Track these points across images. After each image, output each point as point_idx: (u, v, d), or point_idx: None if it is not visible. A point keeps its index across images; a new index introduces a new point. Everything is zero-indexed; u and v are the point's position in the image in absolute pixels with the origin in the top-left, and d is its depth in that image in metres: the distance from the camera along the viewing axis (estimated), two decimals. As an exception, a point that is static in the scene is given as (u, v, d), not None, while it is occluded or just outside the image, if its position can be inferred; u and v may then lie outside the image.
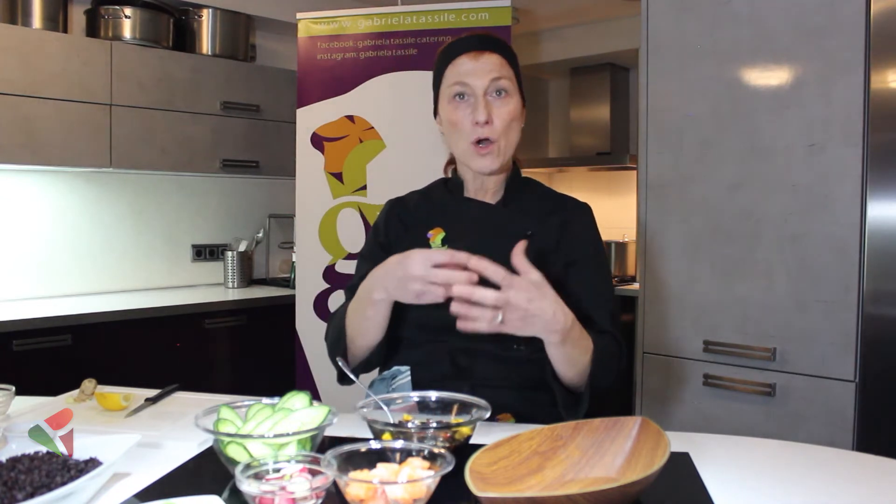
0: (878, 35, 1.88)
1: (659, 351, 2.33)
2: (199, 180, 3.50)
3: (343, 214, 2.86)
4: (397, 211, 1.43)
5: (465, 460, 0.85)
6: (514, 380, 1.26)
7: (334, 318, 1.35)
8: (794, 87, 2.03)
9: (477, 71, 1.29)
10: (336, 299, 2.85)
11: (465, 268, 1.06)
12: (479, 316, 1.05)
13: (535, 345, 1.17)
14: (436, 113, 1.40)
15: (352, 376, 1.21)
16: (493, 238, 1.31)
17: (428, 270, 1.07)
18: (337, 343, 1.29)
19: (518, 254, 1.07)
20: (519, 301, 1.04)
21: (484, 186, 1.38)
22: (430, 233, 1.34)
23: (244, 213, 3.69)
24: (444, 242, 1.32)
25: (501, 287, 1.05)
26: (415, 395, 1.11)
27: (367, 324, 1.22)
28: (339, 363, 1.21)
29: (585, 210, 1.41)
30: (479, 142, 1.30)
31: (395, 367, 1.33)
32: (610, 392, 1.28)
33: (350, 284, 1.40)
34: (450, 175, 1.45)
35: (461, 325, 1.07)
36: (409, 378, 1.30)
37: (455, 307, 1.06)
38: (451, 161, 1.45)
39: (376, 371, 1.39)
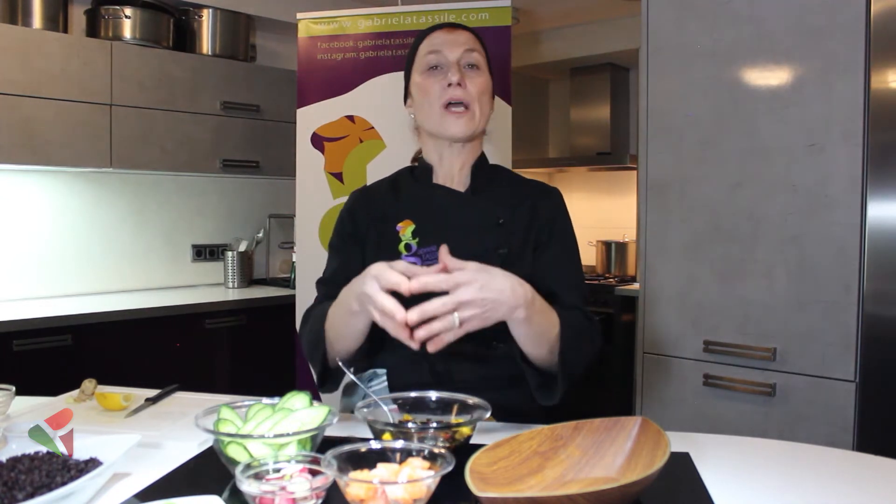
0: (878, 35, 1.88)
1: (659, 351, 2.33)
2: (199, 180, 3.50)
3: (343, 214, 2.85)
4: (364, 202, 1.39)
5: (465, 460, 0.85)
6: (493, 379, 1.23)
7: (311, 318, 1.29)
8: (794, 87, 2.03)
9: (450, 41, 1.31)
10: (336, 299, 2.85)
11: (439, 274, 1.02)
12: (440, 328, 1.00)
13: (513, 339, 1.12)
14: (406, 99, 1.40)
15: (353, 378, 1.16)
16: (464, 227, 1.30)
17: (377, 293, 1.01)
18: (316, 347, 1.23)
19: (445, 255, 1.02)
20: (470, 294, 0.99)
21: (451, 172, 1.35)
22: (400, 225, 1.30)
23: (244, 213, 3.69)
24: (415, 234, 1.29)
25: (449, 291, 0.99)
26: (415, 395, 1.10)
27: (347, 331, 1.16)
28: (341, 364, 1.17)
29: (555, 194, 1.39)
30: (451, 105, 1.28)
31: (371, 370, 1.30)
32: (587, 379, 1.23)
33: (321, 278, 1.37)
34: (416, 164, 1.42)
35: (432, 348, 1.01)
36: (386, 382, 1.28)
37: (420, 333, 1.00)
38: (419, 153, 1.42)
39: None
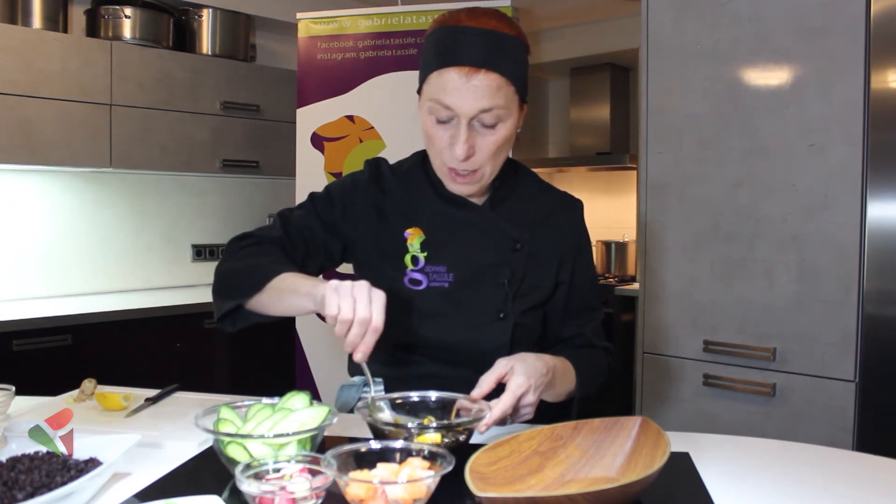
0: (878, 35, 1.88)
1: (659, 351, 2.33)
2: (199, 180, 3.50)
3: (343, 214, 2.85)
4: (374, 193, 1.25)
5: (465, 460, 0.85)
6: (490, 396, 1.15)
7: (255, 259, 1.15)
8: (794, 87, 2.03)
9: (466, 95, 1.08)
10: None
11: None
12: (526, 412, 1.08)
13: None
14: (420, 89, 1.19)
15: (367, 371, 1.09)
16: (478, 247, 1.21)
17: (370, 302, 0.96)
18: (244, 290, 1.11)
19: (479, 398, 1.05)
20: (525, 383, 1.05)
21: None
22: (408, 232, 1.21)
23: (244, 213, 3.69)
24: (424, 247, 1.20)
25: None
26: (414, 395, 1.10)
27: (285, 307, 1.10)
28: (364, 367, 1.06)
29: (576, 209, 1.33)
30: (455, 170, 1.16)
31: (361, 377, 1.27)
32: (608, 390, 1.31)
33: (286, 215, 1.26)
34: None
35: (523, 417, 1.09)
36: (383, 390, 1.22)
37: (502, 430, 1.06)
38: None
39: (346, 376, 1.36)
